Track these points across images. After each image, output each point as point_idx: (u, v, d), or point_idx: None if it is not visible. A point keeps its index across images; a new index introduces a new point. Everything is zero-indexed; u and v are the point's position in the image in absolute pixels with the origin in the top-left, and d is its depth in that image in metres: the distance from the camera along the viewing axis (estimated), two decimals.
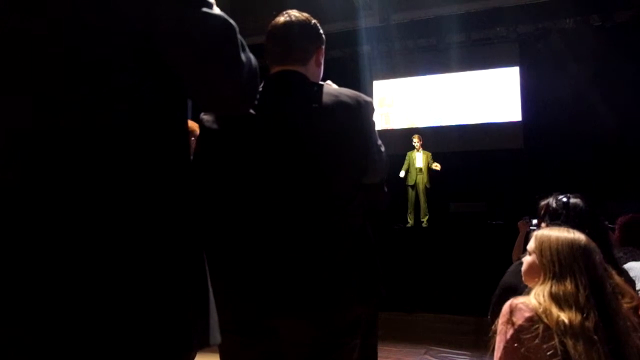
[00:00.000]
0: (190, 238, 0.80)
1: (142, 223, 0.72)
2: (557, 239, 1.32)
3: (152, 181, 0.75)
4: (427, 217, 7.35)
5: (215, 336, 0.81)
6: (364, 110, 1.26)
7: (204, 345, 0.79)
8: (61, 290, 0.67)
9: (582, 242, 1.29)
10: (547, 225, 1.64)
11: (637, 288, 1.93)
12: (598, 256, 1.28)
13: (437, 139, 8.06)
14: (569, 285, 1.24)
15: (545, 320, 1.20)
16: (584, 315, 1.18)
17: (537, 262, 1.34)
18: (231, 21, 0.80)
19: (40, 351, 0.66)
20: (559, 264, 1.28)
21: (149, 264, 0.72)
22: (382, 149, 1.35)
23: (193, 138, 2.43)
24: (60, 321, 0.66)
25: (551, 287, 1.26)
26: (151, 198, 0.74)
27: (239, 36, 0.81)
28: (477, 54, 8.21)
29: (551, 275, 1.28)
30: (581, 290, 1.22)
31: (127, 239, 0.70)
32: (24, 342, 0.66)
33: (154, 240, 0.73)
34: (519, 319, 1.24)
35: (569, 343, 1.14)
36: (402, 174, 7.30)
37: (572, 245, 1.29)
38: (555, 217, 1.68)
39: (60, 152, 0.69)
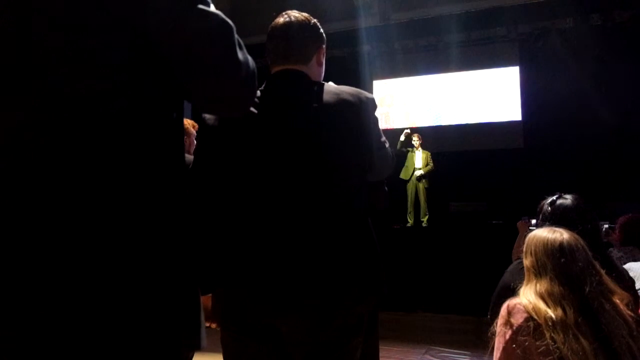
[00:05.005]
0: (181, 241, 0.79)
1: (134, 225, 0.72)
2: (537, 240, 1.37)
3: (146, 182, 0.74)
4: (427, 217, 7.35)
5: (204, 339, 0.81)
6: (366, 107, 1.26)
7: (196, 348, 0.79)
8: (50, 292, 0.66)
9: (559, 241, 1.32)
10: (540, 226, 1.66)
11: (638, 287, 1.93)
12: (580, 254, 1.31)
13: (437, 138, 8.06)
14: (546, 284, 1.28)
15: (536, 317, 1.23)
16: (564, 311, 1.21)
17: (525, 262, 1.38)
18: (228, 20, 0.80)
19: (30, 352, 0.66)
20: (536, 263, 1.33)
21: (140, 265, 0.71)
22: (387, 145, 1.36)
23: (187, 136, 2.44)
24: (49, 323, 0.66)
25: (535, 285, 1.30)
26: (144, 199, 0.73)
27: (236, 35, 0.81)
28: (477, 54, 8.20)
29: (533, 274, 1.33)
30: (556, 288, 1.26)
31: (119, 240, 0.70)
32: (12, 343, 0.66)
33: (145, 242, 0.72)
34: (517, 320, 1.26)
35: (559, 338, 1.17)
36: (404, 136, 7.17)
37: (545, 244, 1.33)
38: (545, 218, 1.70)
39: (55, 150, 0.69)
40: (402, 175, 7.30)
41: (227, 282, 1.22)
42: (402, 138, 7.21)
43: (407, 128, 7.70)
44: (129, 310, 0.70)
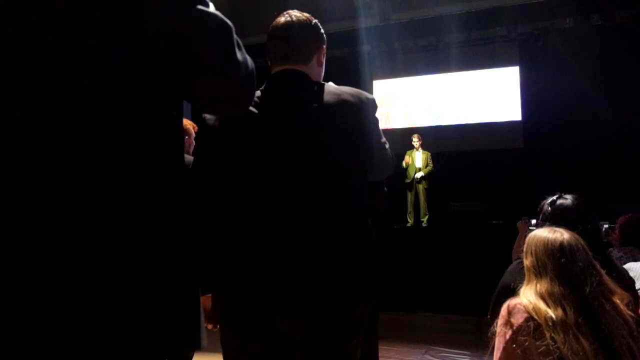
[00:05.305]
0: (181, 240, 0.79)
1: (135, 225, 0.72)
2: (537, 240, 1.36)
3: (146, 182, 0.74)
4: (427, 217, 7.35)
5: (204, 338, 0.81)
6: (366, 108, 1.26)
7: (195, 347, 0.79)
8: (50, 291, 0.66)
9: (559, 241, 1.32)
10: (540, 226, 1.66)
11: (638, 287, 1.93)
12: (580, 254, 1.31)
13: (437, 138, 8.06)
14: (546, 284, 1.28)
15: (536, 317, 1.22)
16: (565, 311, 1.21)
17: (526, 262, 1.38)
18: (227, 21, 0.80)
19: (30, 352, 0.66)
20: (537, 263, 1.33)
21: (140, 265, 0.71)
22: (387, 145, 1.36)
23: (187, 136, 2.45)
24: (49, 323, 0.66)
25: (536, 285, 1.30)
26: (144, 200, 0.73)
27: (235, 36, 0.81)
28: (477, 54, 8.20)
29: (533, 274, 1.33)
30: (556, 288, 1.26)
31: (119, 240, 0.70)
32: (12, 343, 0.66)
33: (146, 242, 0.73)
34: (517, 320, 1.26)
35: (559, 338, 1.17)
36: (406, 158, 7.24)
37: (546, 244, 1.33)
38: (545, 218, 1.70)
39: (55, 150, 0.69)
40: (408, 176, 7.31)
41: (227, 281, 1.22)
42: (404, 165, 7.27)
43: (407, 128, 7.70)
44: (129, 309, 0.70)
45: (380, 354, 2.50)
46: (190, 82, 0.80)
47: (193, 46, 0.76)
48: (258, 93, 1.25)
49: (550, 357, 1.17)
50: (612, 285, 1.31)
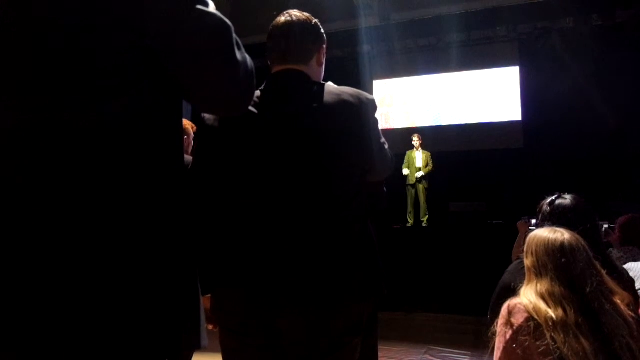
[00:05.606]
0: (181, 240, 0.79)
1: (135, 225, 0.72)
2: (538, 240, 1.36)
3: (146, 182, 0.74)
4: (427, 217, 7.35)
5: (205, 338, 0.81)
6: (366, 108, 1.26)
7: (196, 347, 0.79)
8: (50, 292, 0.66)
9: (560, 241, 1.32)
10: (540, 226, 1.66)
11: (637, 287, 1.93)
12: (581, 254, 1.30)
13: (437, 138, 8.07)
14: (546, 284, 1.28)
15: (536, 317, 1.22)
16: (565, 311, 1.21)
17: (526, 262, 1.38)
18: (227, 20, 0.80)
19: (31, 351, 0.66)
20: (537, 263, 1.33)
21: (141, 265, 0.71)
22: (386, 146, 1.36)
23: (186, 137, 2.45)
24: (49, 323, 0.66)
25: (536, 285, 1.30)
26: (144, 200, 0.73)
27: (234, 36, 0.81)
28: (477, 54, 8.21)
29: (534, 274, 1.33)
30: (557, 288, 1.26)
31: (120, 240, 0.70)
32: (17, 343, 0.66)
33: (146, 241, 0.73)
34: (517, 320, 1.26)
35: (559, 338, 1.17)
36: (405, 171, 7.33)
37: (547, 244, 1.33)
38: (544, 218, 1.70)
39: (55, 150, 0.69)
40: (409, 179, 7.33)
41: (227, 281, 1.22)
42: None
43: (407, 128, 7.73)
44: (130, 310, 0.70)
45: (380, 354, 2.50)
46: (189, 82, 0.80)
47: (192, 46, 0.76)
48: (258, 93, 1.25)
49: (550, 357, 1.17)
50: (612, 285, 1.31)
